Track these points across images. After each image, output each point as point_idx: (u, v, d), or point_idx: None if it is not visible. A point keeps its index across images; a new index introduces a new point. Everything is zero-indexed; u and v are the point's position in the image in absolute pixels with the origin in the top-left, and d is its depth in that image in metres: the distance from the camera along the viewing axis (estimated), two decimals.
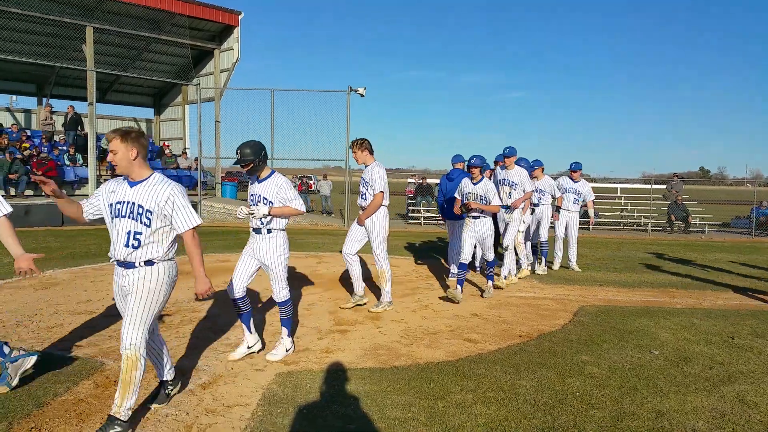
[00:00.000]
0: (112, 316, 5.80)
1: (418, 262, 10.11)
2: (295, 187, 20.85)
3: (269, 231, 4.58)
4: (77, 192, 16.46)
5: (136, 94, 23.04)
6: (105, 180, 17.87)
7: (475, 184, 7.02)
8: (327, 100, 17.40)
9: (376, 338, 5.30)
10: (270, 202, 4.52)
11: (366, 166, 6.25)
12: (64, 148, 17.28)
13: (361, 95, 16.85)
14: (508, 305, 6.87)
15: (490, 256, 7.28)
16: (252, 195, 4.65)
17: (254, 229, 4.63)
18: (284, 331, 4.74)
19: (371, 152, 6.25)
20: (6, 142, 15.82)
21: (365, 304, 6.50)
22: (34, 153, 16.15)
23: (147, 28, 18.14)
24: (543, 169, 9.30)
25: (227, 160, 19.61)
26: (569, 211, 9.68)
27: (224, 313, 6.10)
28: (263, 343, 4.93)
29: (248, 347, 4.70)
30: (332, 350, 4.91)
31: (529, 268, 9.07)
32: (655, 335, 5.66)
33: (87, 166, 16.59)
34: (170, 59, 20.88)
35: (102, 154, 18.15)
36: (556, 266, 9.68)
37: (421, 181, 21.03)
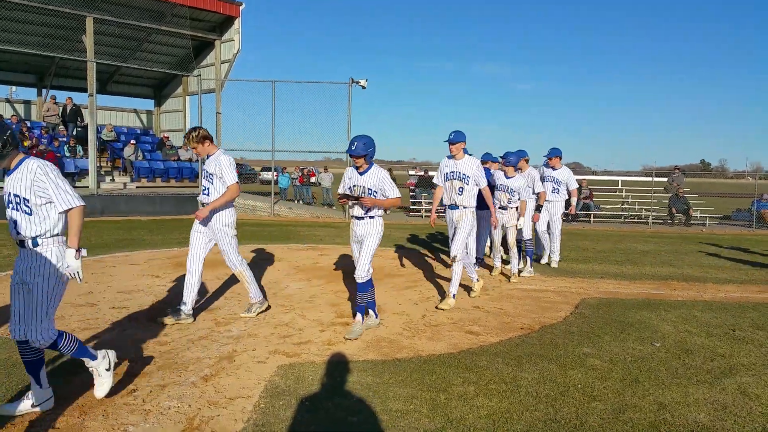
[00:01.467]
0: (113, 308, 5.81)
1: (420, 254, 10.11)
2: (296, 178, 20.93)
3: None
4: (77, 184, 16.44)
5: (137, 85, 22.96)
6: (105, 172, 17.89)
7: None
8: (328, 91, 17.34)
9: (377, 330, 5.30)
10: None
11: (208, 157, 5.44)
12: (64, 139, 17.24)
13: (363, 87, 16.79)
14: (510, 297, 6.87)
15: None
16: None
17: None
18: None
19: (212, 141, 5.48)
20: None
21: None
22: (34, 144, 16.12)
23: (148, 18, 18.05)
24: (527, 160, 8.83)
25: (228, 153, 19.54)
26: (548, 201, 8.97)
27: (226, 305, 6.11)
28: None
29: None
30: (334, 342, 4.91)
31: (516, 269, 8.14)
32: (657, 327, 5.66)
33: (87, 158, 16.55)
34: (171, 50, 20.79)
35: (102, 145, 18.14)
36: (544, 260, 9.30)
37: (422, 173, 21.02)
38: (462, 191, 6.36)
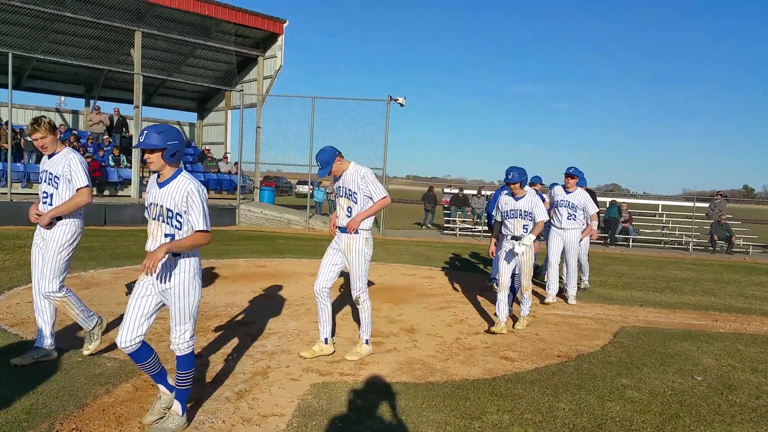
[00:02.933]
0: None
1: (453, 273, 10.05)
2: (331, 192, 20.90)
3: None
4: (119, 193, 16.92)
5: (181, 98, 23.60)
6: (147, 182, 18.39)
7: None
8: (367, 108, 17.53)
9: (410, 352, 5.28)
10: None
11: (51, 156, 4.47)
12: (109, 149, 17.80)
13: (401, 104, 16.90)
14: (546, 323, 6.75)
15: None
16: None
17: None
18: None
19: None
20: None
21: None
22: (81, 152, 16.69)
23: (194, 34, 18.59)
24: (537, 186, 8.49)
25: (266, 165, 19.91)
26: (563, 230, 7.93)
27: (261, 319, 6.17)
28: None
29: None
30: (367, 362, 4.90)
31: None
32: (698, 360, 5.48)
33: (131, 168, 17.03)
34: (215, 65, 21.34)
35: None
36: (550, 299, 7.86)
37: (457, 191, 20.92)
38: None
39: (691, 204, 20.27)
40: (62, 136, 17.19)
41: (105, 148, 17.73)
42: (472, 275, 10.02)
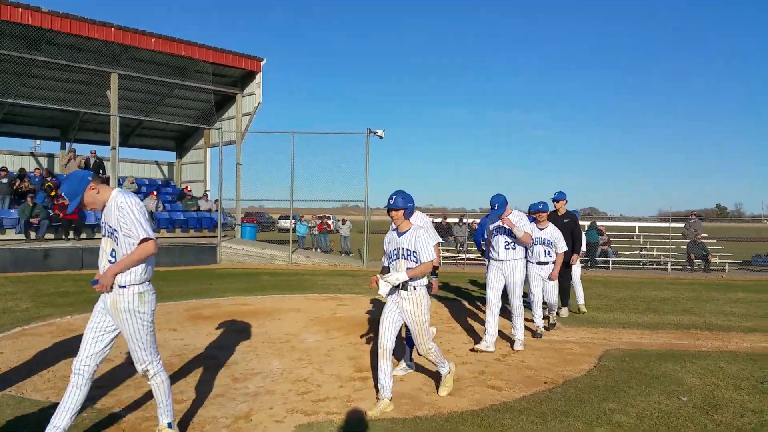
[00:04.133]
0: (130, 364, 5.79)
1: (439, 303, 10.04)
2: (314, 227, 20.93)
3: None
4: (96, 235, 16.69)
5: (159, 138, 23.56)
6: None
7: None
8: (346, 141, 17.70)
9: (397, 385, 5.23)
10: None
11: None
12: None
13: (380, 137, 17.09)
14: (531, 349, 6.76)
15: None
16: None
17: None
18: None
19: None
20: (27, 186, 16.17)
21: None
22: (57, 193, 16.47)
23: (171, 74, 18.69)
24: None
25: (247, 202, 19.88)
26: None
27: (243, 359, 6.08)
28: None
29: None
30: (354, 399, 4.85)
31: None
32: (682, 380, 5.52)
33: None
34: (193, 104, 21.41)
35: None
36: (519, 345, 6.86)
37: (440, 220, 21.04)
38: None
39: (666, 224, 20.64)
40: (38, 179, 17.01)
41: None
42: (456, 304, 10.02)
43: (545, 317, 7.97)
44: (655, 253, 19.94)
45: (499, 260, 6.67)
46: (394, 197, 4.68)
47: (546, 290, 7.58)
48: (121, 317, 3.62)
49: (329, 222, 27.75)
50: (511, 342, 6.89)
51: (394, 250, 4.77)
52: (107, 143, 17.47)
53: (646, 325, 8.40)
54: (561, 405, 4.76)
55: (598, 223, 19.69)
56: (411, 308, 4.69)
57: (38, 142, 22.23)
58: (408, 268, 4.66)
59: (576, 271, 9.45)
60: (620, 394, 5.06)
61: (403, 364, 5.72)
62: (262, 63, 19.70)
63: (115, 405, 4.58)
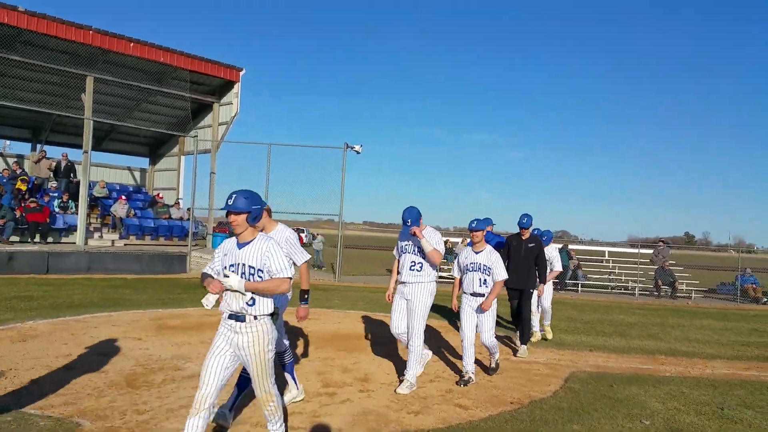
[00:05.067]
0: (92, 372, 5.67)
1: None
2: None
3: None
4: (63, 239, 16.32)
5: (133, 143, 23.20)
6: (94, 228, 17.82)
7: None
8: (323, 155, 17.71)
9: (364, 402, 5.20)
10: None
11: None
12: (56, 194, 17.25)
13: (357, 152, 17.15)
14: (500, 369, 6.80)
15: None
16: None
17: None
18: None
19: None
20: None
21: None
22: (26, 197, 16.11)
23: (148, 80, 18.49)
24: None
25: (221, 211, 19.63)
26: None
27: None
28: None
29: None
30: (320, 414, 4.81)
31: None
32: (645, 404, 5.61)
33: (77, 214, 16.51)
34: (169, 111, 21.18)
35: (93, 201, 18.15)
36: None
37: None
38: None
39: (636, 250, 21.05)
40: (5, 181, 16.60)
41: (51, 194, 17.17)
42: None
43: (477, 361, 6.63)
44: (623, 278, 20.31)
45: (401, 282, 5.83)
46: (234, 197, 3.58)
47: (481, 328, 6.19)
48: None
49: (302, 235, 27.60)
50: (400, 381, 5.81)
51: (232, 265, 3.64)
52: (79, 146, 17.13)
53: (612, 349, 8.53)
54: (526, 425, 4.79)
55: (570, 247, 19.97)
56: (248, 344, 3.62)
57: (8, 142, 21.68)
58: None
59: (547, 296, 8.81)
60: (584, 416, 5.12)
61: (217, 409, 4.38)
62: (241, 73, 19.63)
63: (74, 414, 4.45)
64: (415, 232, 5.57)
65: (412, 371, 5.69)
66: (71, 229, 16.49)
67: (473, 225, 6.18)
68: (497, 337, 7.19)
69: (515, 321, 8.00)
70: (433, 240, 5.63)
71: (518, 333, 7.93)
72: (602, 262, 21.94)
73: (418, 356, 5.75)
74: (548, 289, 8.89)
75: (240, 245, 3.65)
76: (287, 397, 4.95)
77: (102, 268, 14.72)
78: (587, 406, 5.45)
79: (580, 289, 18.56)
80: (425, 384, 5.95)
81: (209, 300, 3.60)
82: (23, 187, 16.34)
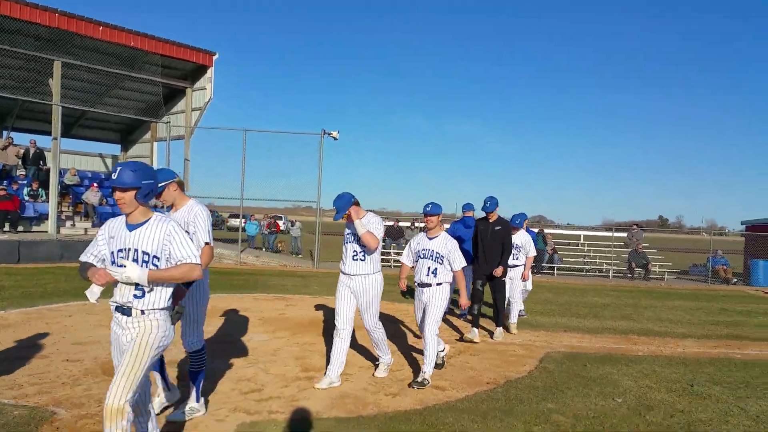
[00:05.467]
0: (67, 361, 5.59)
1: (388, 306, 10.06)
2: (263, 226, 20.55)
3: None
4: (34, 228, 15.97)
5: (103, 130, 22.74)
6: (66, 216, 17.48)
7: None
8: (300, 141, 17.62)
9: (343, 385, 5.22)
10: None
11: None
12: (25, 182, 16.85)
13: (335, 138, 17.07)
14: (476, 350, 6.88)
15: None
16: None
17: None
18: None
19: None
20: None
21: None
22: None
23: (118, 65, 18.08)
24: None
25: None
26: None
27: (181, 360, 5.93)
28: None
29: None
30: (298, 398, 4.81)
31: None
32: (618, 382, 5.74)
33: (48, 202, 16.16)
34: (140, 96, 20.77)
35: (64, 189, 17.78)
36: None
37: (392, 223, 21.16)
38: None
39: (610, 234, 21.41)
40: None
41: (20, 182, 16.76)
42: (404, 306, 10.07)
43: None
44: (598, 260, 20.66)
45: (346, 274, 5.33)
46: (119, 170, 2.99)
47: (425, 317, 5.62)
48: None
49: (279, 222, 27.49)
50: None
51: (120, 251, 3.04)
52: (48, 133, 16.73)
53: (586, 330, 8.69)
54: (501, 404, 4.87)
55: (546, 231, 20.22)
56: (131, 341, 3.04)
57: None
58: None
59: (516, 285, 8.39)
60: (559, 395, 5.21)
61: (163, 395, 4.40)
62: (215, 57, 19.30)
63: (49, 402, 4.39)
64: (350, 214, 5.13)
65: (385, 358, 5.66)
66: (42, 217, 16.14)
67: (428, 209, 5.68)
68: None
69: (473, 305, 7.45)
70: (370, 225, 5.13)
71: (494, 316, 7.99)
72: (578, 246, 22.28)
73: (384, 342, 5.57)
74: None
75: (130, 227, 3.03)
76: (189, 406, 4.28)
77: (75, 256, 14.44)
78: (561, 385, 5.56)
79: (555, 272, 18.84)
80: (402, 366, 6.00)
81: (94, 292, 3.04)
82: None
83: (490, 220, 7.61)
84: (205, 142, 20.62)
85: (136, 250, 2.98)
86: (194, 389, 4.28)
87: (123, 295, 3.02)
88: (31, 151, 17.63)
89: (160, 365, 4.31)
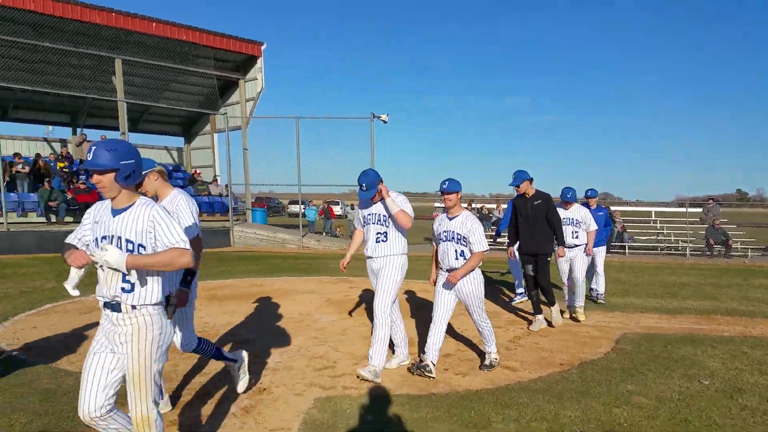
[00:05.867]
0: None
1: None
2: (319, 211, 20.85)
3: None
4: None
5: (167, 124, 23.54)
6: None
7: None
8: (350, 126, 17.64)
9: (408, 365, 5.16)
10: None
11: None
12: None
13: (384, 122, 16.97)
14: (546, 332, 6.65)
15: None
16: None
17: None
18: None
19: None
20: (42, 166, 16.30)
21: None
22: (74, 180, 16.59)
23: (173, 59, 18.60)
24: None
25: (256, 187, 19.88)
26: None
27: (261, 337, 6.07)
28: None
29: None
30: None
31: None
32: (704, 364, 5.38)
33: None
34: (198, 89, 21.33)
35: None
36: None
37: (465, 205, 20.99)
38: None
39: (684, 209, 20.32)
40: (53, 164, 17.06)
41: None
42: None
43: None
44: (672, 238, 19.65)
45: (369, 257, 4.99)
46: (92, 150, 2.67)
47: (469, 309, 5.11)
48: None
49: (333, 207, 27.78)
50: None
51: (104, 238, 2.73)
52: (117, 129, 17.46)
53: (664, 310, 8.24)
54: (577, 386, 4.66)
55: (612, 209, 19.42)
56: (125, 339, 2.74)
57: (50, 127, 22.29)
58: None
59: (580, 264, 7.46)
60: (638, 377, 4.94)
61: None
62: (263, 47, 19.54)
63: None
64: (381, 190, 4.76)
65: (377, 358, 4.76)
66: None
67: (444, 186, 4.98)
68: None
69: (530, 292, 6.96)
70: (401, 203, 4.80)
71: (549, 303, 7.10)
72: (649, 223, 21.29)
73: (385, 336, 4.81)
74: (601, 252, 8.55)
75: (114, 212, 2.73)
76: (240, 371, 4.27)
77: None
78: (641, 366, 5.27)
79: (626, 251, 18.08)
80: (470, 347, 5.87)
81: (71, 279, 2.73)
82: (61, 165, 16.77)
83: (528, 195, 6.83)
84: (261, 131, 20.99)
85: (119, 238, 2.67)
86: (229, 360, 4.20)
87: (110, 288, 2.70)
88: None
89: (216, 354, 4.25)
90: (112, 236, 2.67)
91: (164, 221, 2.69)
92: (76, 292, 2.72)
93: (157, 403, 2.79)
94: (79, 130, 21.07)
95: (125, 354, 2.69)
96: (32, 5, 14.59)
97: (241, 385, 4.24)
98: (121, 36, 16.73)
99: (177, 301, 3.40)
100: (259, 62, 19.54)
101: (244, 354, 4.32)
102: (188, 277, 3.71)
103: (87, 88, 17.69)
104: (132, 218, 2.67)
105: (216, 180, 21.28)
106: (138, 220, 2.67)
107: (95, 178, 2.66)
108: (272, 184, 19.43)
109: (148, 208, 2.70)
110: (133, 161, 2.69)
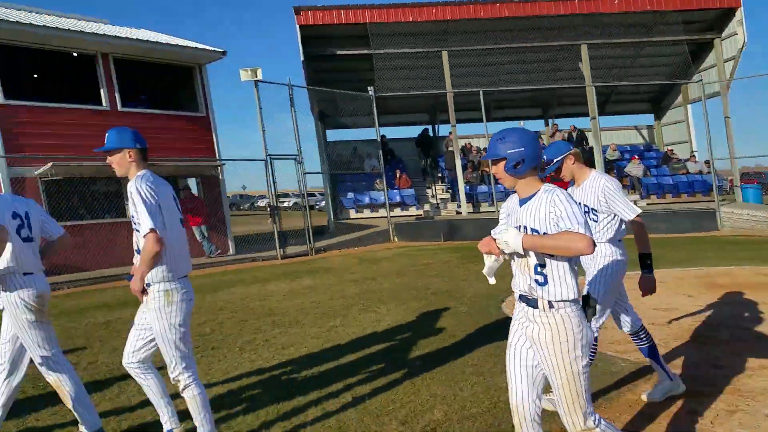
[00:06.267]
0: (653, 324, 5.67)
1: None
2: None
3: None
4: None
5: (633, 102, 22.93)
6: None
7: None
8: None
9: None
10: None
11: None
12: None
13: None
14: None
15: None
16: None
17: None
18: None
19: None
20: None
21: None
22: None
23: (636, 33, 17.93)
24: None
25: (742, 160, 17.43)
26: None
27: None
28: None
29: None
30: None
31: None
32: None
33: None
34: (665, 60, 20.04)
35: (608, 165, 18.76)
36: None
37: None
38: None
39: None
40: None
41: None
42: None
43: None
44: None
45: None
46: (494, 141, 2.60)
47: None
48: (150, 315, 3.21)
49: None
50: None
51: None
52: (584, 115, 18.01)
53: None
54: None
55: None
56: (544, 340, 2.50)
57: (522, 122, 24.74)
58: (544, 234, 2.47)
59: None
60: None
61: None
62: None
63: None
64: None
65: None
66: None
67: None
68: None
69: None
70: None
71: None
72: None
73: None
74: None
75: (521, 202, 2.63)
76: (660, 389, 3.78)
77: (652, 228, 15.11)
78: None
79: None
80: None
81: (488, 267, 2.63)
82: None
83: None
84: (748, 95, 18.08)
85: (525, 227, 2.55)
86: (661, 368, 3.82)
87: (526, 279, 2.56)
88: (573, 134, 19.40)
89: (650, 352, 3.80)
90: (519, 227, 2.59)
91: (563, 204, 2.46)
92: (492, 280, 2.66)
93: (591, 413, 2.50)
94: (550, 121, 22.66)
95: (545, 357, 2.53)
96: (506, 12, 16.56)
97: (656, 392, 3.77)
98: (581, 21, 17.24)
99: (645, 288, 3.58)
100: (738, 13, 17.00)
101: (681, 385, 3.81)
102: (647, 261, 3.66)
103: (555, 79, 18.88)
104: (535, 206, 2.56)
105: (693, 156, 19.57)
106: (540, 207, 2.54)
107: (491, 168, 2.67)
108: (763, 155, 16.66)
109: (549, 193, 2.54)
110: (522, 149, 2.55)
